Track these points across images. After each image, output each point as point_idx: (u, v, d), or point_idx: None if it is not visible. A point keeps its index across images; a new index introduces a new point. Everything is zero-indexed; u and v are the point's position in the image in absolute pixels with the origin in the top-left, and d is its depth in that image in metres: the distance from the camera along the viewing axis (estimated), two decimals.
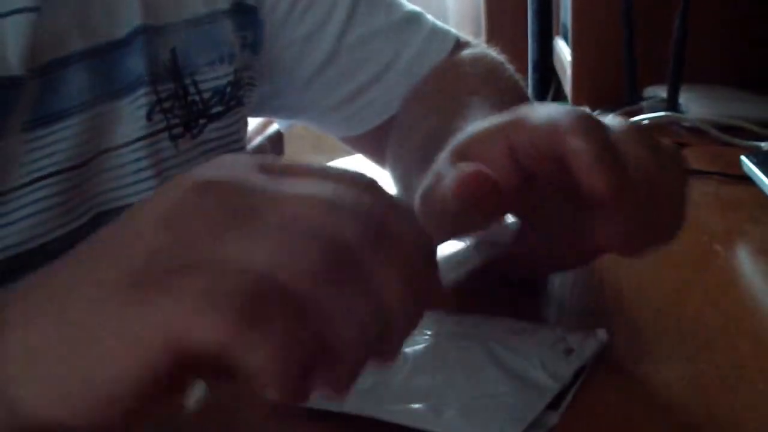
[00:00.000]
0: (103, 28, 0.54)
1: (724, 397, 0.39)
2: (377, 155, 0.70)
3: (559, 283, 0.51)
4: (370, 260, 0.29)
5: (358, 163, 0.74)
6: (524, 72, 1.60)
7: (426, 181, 0.45)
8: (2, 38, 0.48)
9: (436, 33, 0.68)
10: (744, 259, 0.55)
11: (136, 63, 0.55)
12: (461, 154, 0.44)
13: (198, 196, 0.30)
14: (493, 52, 0.70)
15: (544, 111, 0.43)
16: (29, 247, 0.51)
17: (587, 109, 0.43)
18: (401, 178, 0.64)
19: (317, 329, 0.28)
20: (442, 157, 0.45)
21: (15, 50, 0.48)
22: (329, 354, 0.29)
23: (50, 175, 0.51)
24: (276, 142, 2.33)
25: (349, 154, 0.74)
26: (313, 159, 0.94)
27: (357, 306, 0.29)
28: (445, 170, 0.43)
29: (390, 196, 0.32)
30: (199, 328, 0.27)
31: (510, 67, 0.68)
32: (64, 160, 0.52)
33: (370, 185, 0.31)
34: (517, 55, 0.72)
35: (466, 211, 0.42)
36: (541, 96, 2.02)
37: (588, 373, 0.40)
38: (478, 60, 0.68)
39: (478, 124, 0.46)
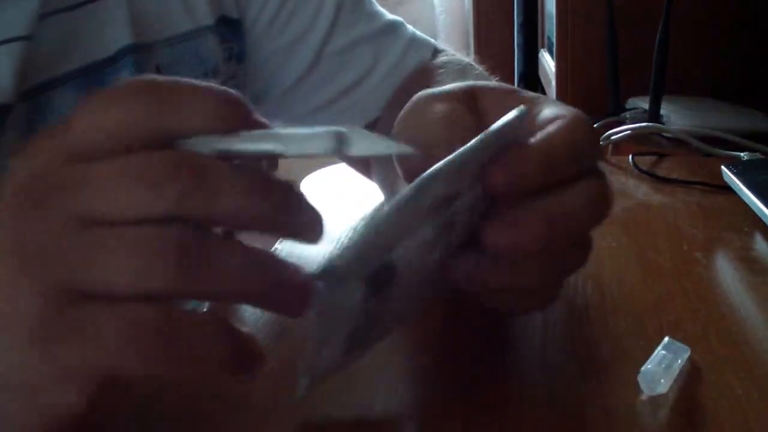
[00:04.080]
0: (91, 49, 0.54)
1: (704, 401, 0.39)
2: (360, 163, 0.71)
3: None
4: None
5: (344, 173, 0.75)
6: (511, 83, 1.62)
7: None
8: None
9: (415, 41, 0.70)
10: (724, 267, 0.55)
11: None
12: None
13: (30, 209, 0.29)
14: (465, 57, 0.71)
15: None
16: None
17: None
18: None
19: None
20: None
21: (7, 78, 0.48)
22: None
23: None
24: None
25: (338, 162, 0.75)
26: (305, 169, 0.94)
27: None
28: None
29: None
30: (125, 367, 0.28)
31: (480, 67, 0.69)
32: None
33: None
34: (504, 66, 0.74)
35: None
36: None
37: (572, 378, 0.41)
38: (449, 61, 0.69)
39: None
